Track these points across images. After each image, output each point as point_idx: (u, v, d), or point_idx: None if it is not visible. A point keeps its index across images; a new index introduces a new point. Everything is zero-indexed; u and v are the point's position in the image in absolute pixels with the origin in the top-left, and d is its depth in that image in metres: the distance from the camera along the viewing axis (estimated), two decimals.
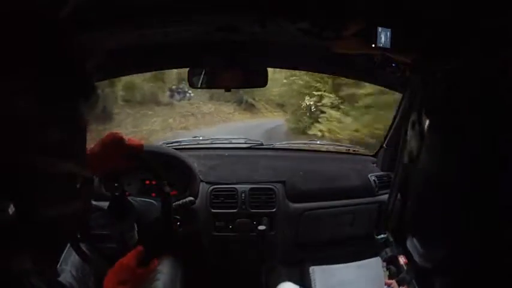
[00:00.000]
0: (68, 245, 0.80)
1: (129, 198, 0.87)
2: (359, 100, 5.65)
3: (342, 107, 6.44)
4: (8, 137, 0.33)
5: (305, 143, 2.11)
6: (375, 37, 0.77)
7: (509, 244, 0.63)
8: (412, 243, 1.03)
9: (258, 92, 8.84)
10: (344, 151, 1.89)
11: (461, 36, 0.72)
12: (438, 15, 0.74)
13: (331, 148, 1.96)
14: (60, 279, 0.98)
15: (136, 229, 0.84)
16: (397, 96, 1.51)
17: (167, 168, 1.33)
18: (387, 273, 1.14)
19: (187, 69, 1.28)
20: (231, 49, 1.22)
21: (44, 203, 0.36)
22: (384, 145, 1.60)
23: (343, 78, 4.38)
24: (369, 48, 0.79)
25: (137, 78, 7.23)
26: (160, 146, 1.61)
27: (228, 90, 1.34)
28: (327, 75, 5.21)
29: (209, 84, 1.30)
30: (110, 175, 0.82)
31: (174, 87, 9.07)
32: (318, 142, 2.12)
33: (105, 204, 0.82)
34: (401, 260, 1.10)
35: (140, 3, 0.84)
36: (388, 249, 1.20)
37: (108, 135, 0.72)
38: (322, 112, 6.73)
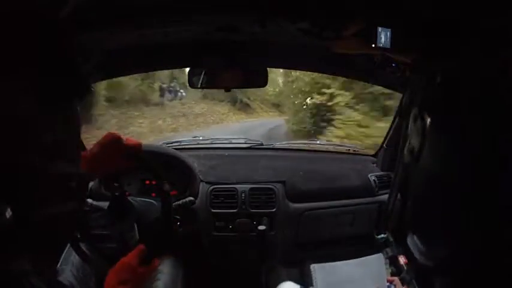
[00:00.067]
0: (68, 245, 0.80)
1: (129, 198, 0.86)
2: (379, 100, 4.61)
3: (357, 107, 5.25)
4: (6, 137, 0.33)
5: (305, 143, 2.12)
6: (375, 37, 0.77)
7: (509, 244, 0.63)
8: (412, 243, 1.03)
9: (253, 91, 8.45)
10: (344, 151, 1.89)
11: (461, 36, 0.72)
12: (438, 15, 0.74)
13: (331, 148, 1.97)
14: (61, 279, 0.98)
15: (137, 229, 0.84)
16: None
17: (167, 168, 1.34)
18: (389, 270, 1.14)
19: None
20: (231, 49, 1.22)
21: (40, 204, 0.36)
22: (384, 145, 1.61)
23: None
24: (369, 48, 0.79)
25: (123, 76, 6.93)
26: (160, 146, 1.61)
27: (228, 90, 1.35)
28: None
29: (209, 84, 1.30)
30: (110, 175, 0.82)
31: (165, 85, 8.68)
32: (318, 142, 2.13)
33: (105, 204, 0.82)
34: (402, 260, 1.10)
35: (140, 3, 0.84)
36: (388, 249, 1.20)
37: (106, 136, 0.72)
38: (333, 113, 5.68)
